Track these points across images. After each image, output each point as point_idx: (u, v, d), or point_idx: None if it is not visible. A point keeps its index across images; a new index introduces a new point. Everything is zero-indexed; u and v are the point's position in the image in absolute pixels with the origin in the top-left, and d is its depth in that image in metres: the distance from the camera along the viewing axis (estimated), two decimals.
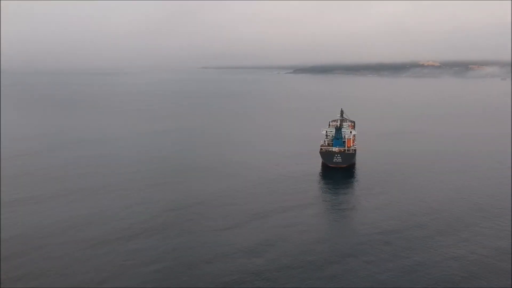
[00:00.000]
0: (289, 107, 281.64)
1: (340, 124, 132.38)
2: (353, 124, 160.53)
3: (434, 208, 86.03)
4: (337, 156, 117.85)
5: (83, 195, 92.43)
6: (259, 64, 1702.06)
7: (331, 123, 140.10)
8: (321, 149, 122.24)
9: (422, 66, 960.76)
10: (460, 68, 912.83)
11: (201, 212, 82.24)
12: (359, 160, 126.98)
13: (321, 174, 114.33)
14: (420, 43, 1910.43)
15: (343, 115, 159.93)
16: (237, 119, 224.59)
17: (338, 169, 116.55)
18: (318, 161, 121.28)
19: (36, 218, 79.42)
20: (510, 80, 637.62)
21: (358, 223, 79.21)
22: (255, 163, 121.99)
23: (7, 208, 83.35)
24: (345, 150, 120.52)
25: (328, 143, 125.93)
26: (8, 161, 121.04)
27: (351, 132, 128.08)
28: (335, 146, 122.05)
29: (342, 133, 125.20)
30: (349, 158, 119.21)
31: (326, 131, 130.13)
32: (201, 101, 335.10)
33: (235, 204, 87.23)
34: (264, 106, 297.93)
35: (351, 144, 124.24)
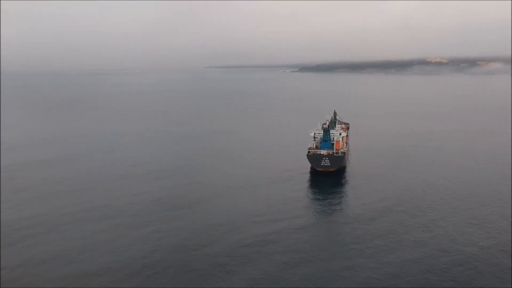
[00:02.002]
0: (294, 107, 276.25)
1: (328, 126, 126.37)
2: (347, 126, 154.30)
3: (443, 238, 71.41)
4: (325, 159, 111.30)
5: (83, 217, 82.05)
6: (265, 63, 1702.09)
7: (323, 126, 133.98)
8: (308, 152, 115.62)
9: (428, 63, 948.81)
10: (467, 64, 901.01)
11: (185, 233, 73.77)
12: (352, 163, 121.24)
13: (309, 182, 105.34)
14: (428, 40, 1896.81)
15: (336, 116, 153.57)
16: (237, 119, 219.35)
17: (326, 174, 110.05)
18: (307, 165, 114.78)
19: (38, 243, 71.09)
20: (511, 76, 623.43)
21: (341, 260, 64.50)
22: (243, 168, 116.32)
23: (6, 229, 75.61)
24: (333, 153, 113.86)
25: (316, 146, 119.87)
26: (8, 170, 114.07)
27: (340, 134, 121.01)
28: (323, 148, 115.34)
29: (331, 134, 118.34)
30: (338, 161, 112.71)
31: (314, 133, 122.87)
32: (201, 101, 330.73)
33: (221, 220, 78.78)
34: (266, 106, 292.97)
35: (340, 147, 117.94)
